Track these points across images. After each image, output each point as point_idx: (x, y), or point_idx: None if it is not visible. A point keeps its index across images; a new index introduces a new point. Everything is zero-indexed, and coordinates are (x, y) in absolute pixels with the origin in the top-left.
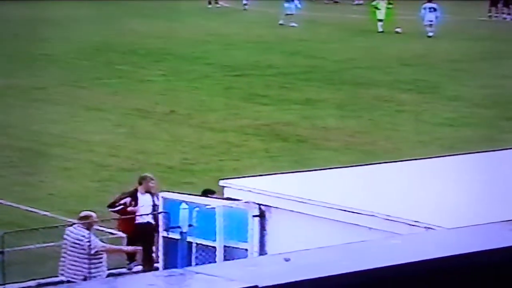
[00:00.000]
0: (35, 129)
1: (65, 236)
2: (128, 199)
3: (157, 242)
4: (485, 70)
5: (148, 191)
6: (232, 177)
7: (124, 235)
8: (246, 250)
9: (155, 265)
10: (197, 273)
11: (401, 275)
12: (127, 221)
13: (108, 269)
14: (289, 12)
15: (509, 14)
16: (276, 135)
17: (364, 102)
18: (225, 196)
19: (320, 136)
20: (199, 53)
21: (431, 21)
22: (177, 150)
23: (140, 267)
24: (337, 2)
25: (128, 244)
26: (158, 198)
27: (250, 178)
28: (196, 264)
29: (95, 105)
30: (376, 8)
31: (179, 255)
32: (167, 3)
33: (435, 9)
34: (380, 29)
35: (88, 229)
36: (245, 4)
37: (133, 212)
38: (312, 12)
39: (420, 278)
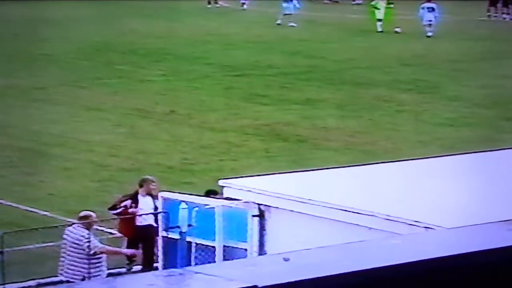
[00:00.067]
0: (35, 129)
1: (64, 236)
2: (128, 202)
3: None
4: (485, 70)
5: (149, 194)
6: (232, 177)
7: (118, 231)
8: (246, 250)
9: (155, 265)
10: (196, 273)
11: (401, 275)
12: (127, 224)
13: (108, 269)
14: (287, 12)
15: (508, 14)
16: (276, 135)
17: (364, 102)
18: (224, 196)
19: (320, 136)
20: (199, 53)
21: (430, 21)
22: (177, 150)
23: (139, 267)
24: (336, 1)
25: (128, 247)
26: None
27: (249, 178)
28: (196, 264)
29: (95, 105)
30: (375, 8)
31: (179, 255)
32: (167, 3)
33: (433, 9)
34: (379, 29)
35: (87, 229)
36: (243, 4)
37: (134, 214)
38: (312, 12)
39: (420, 278)
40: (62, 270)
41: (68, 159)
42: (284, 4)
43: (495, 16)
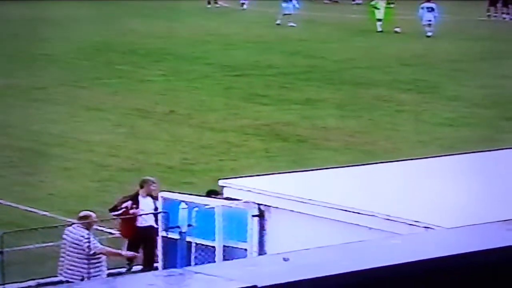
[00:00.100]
0: (35, 129)
1: (64, 236)
2: (129, 203)
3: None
4: (484, 70)
5: (149, 194)
6: (232, 177)
7: (119, 233)
8: (246, 250)
9: (155, 265)
10: (196, 273)
11: (400, 275)
12: (128, 225)
13: (108, 269)
14: (287, 12)
15: (508, 13)
16: (276, 135)
17: (364, 102)
18: (224, 196)
19: (320, 136)
20: (199, 53)
21: (429, 20)
22: (177, 150)
23: (139, 267)
24: (336, 1)
25: (129, 248)
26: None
27: (249, 178)
28: (196, 264)
29: (95, 105)
30: (375, 7)
31: (179, 255)
32: (167, 3)
33: (433, 9)
34: (379, 29)
35: (87, 229)
36: (242, 4)
37: (135, 215)
38: (312, 12)
39: (420, 278)
40: (61, 270)
41: (68, 159)
42: (284, 4)
43: (495, 16)
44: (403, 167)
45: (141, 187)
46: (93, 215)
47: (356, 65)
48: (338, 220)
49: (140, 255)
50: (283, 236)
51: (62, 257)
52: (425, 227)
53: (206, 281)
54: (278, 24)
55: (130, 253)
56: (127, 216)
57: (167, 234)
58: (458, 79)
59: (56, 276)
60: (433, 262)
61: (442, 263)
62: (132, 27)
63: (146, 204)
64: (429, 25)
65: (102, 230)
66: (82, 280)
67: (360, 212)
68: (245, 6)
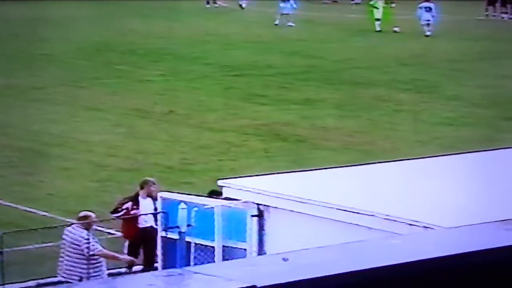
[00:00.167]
0: (34, 129)
1: (63, 236)
2: (129, 204)
3: None
4: (483, 69)
5: (149, 195)
6: (231, 177)
7: (121, 234)
8: (245, 250)
9: (154, 265)
10: (195, 273)
11: (400, 274)
12: (130, 226)
13: (108, 269)
14: (285, 12)
15: (506, 13)
16: (275, 135)
17: (363, 102)
18: (223, 196)
19: (319, 136)
20: (198, 53)
21: (428, 20)
22: (176, 150)
23: (140, 267)
24: (335, 1)
25: (130, 249)
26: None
27: (248, 178)
28: (195, 264)
29: (94, 105)
30: (374, 7)
31: (178, 255)
32: (167, 3)
33: (430, 9)
34: (378, 28)
35: (87, 229)
36: (241, 5)
37: (136, 216)
38: (310, 12)
39: (419, 277)
40: (60, 270)
41: (68, 159)
42: (281, 4)
43: (494, 16)
44: (402, 167)
45: (142, 188)
46: (93, 215)
47: (355, 65)
48: (337, 220)
49: (136, 259)
50: (283, 236)
51: (61, 257)
52: (424, 227)
53: (205, 281)
54: (276, 25)
55: (128, 258)
56: (126, 216)
57: (167, 234)
58: (457, 79)
59: (56, 276)
60: (433, 262)
61: (441, 263)
62: (132, 27)
63: (146, 205)
64: (428, 24)
65: (101, 231)
66: (80, 280)
67: (360, 212)
68: (244, 5)
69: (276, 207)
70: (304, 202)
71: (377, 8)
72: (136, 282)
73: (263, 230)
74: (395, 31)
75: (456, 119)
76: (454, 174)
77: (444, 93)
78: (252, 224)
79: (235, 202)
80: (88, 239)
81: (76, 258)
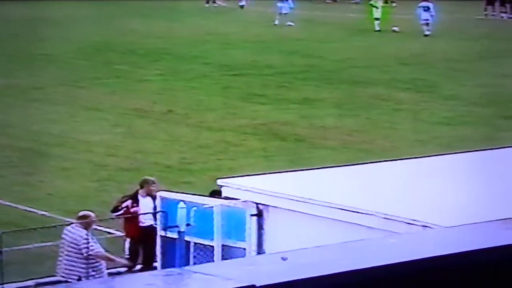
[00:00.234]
0: (34, 129)
1: (63, 236)
2: (129, 202)
3: None
4: (482, 69)
5: (149, 194)
6: (230, 176)
7: (121, 234)
8: (244, 249)
9: (153, 264)
10: (195, 272)
11: (398, 274)
12: (131, 225)
13: (108, 268)
14: (283, 12)
15: (505, 12)
16: (274, 135)
17: (362, 101)
18: (223, 195)
19: (318, 135)
20: (197, 52)
21: (426, 20)
22: (175, 150)
23: (139, 266)
24: (335, 1)
25: (132, 248)
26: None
27: (247, 177)
28: (194, 263)
29: (93, 105)
30: (374, 6)
31: (177, 254)
32: (167, 3)
33: (429, 8)
34: (377, 28)
35: (86, 229)
36: (242, 6)
37: (136, 213)
38: (310, 11)
39: (417, 276)
40: (59, 269)
41: (67, 159)
42: (279, 4)
43: (493, 15)
44: (401, 166)
45: (141, 187)
46: (92, 215)
47: (354, 64)
48: (336, 219)
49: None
50: (282, 235)
51: (60, 256)
52: (423, 226)
53: (205, 280)
54: (275, 25)
55: (124, 262)
56: (129, 215)
57: (166, 233)
58: (456, 78)
59: (55, 276)
60: (431, 261)
61: (440, 262)
62: (132, 27)
63: (145, 204)
64: (427, 24)
65: (101, 230)
66: (79, 279)
67: (359, 211)
68: (243, 3)
69: (275, 207)
70: (303, 202)
71: (376, 7)
72: (135, 282)
73: (262, 229)
74: (394, 31)
75: (455, 118)
76: (454, 173)
77: (443, 92)
78: (251, 224)
79: (234, 201)
80: (87, 239)
81: (75, 258)
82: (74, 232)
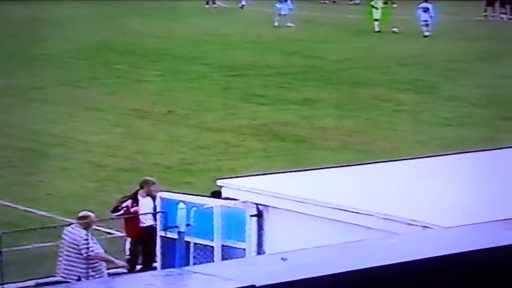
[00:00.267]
0: (34, 129)
1: (63, 236)
2: (129, 202)
3: None
4: (482, 70)
5: (149, 195)
6: (230, 176)
7: (121, 234)
8: (244, 249)
9: (153, 264)
10: (194, 272)
11: (398, 274)
12: (132, 225)
13: (107, 269)
14: (283, 13)
15: (505, 13)
16: (274, 135)
17: (362, 102)
18: (223, 195)
19: (318, 136)
20: (197, 53)
21: (425, 21)
22: (175, 150)
23: (139, 267)
24: (334, 1)
25: (132, 248)
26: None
27: (247, 177)
28: (194, 264)
29: (93, 105)
30: (374, 7)
31: (177, 254)
32: (167, 3)
33: (428, 9)
34: (376, 29)
35: (86, 229)
36: (242, 6)
37: (136, 213)
38: (310, 12)
39: (417, 277)
40: (59, 270)
41: (67, 159)
42: (278, 5)
43: (493, 16)
44: (401, 167)
45: (141, 187)
46: (92, 215)
47: (354, 65)
48: (336, 220)
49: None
50: (281, 236)
51: (60, 256)
52: (423, 226)
53: (204, 280)
54: (275, 26)
55: (121, 263)
56: (129, 215)
57: (166, 234)
58: (456, 79)
59: (55, 276)
60: (432, 261)
61: (439, 262)
62: (132, 27)
63: (145, 204)
64: (426, 25)
65: (101, 230)
66: (78, 280)
67: (358, 212)
68: (244, 3)
69: (275, 207)
70: (303, 202)
71: (376, 8)
72: (135, 282)
73: (262, 229)
74: (394, 32)
75: (455, 119)
76: (454, 174)
77: (443, 93)
78: (251, 224)
79: (234, 202)
80: (87, 239)
81: (75, 258)
82: (74, 232)
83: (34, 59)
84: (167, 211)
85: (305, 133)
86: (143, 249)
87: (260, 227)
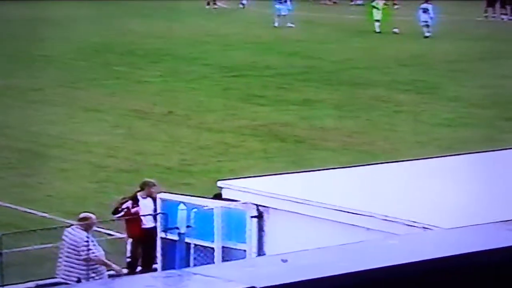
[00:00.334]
0: (33, 130)
1: (63, 237)
2: (129, 203)
3: None
4: (483, 70)
5: (149, 196)
6: (230, 178)
7: (122, 235)
8: (244, 251)
9: (154, 266)
10: (195, 274)
11: (398, 275)
12: (133, 226)
13: (108, 270)
14: (282, 13)
15: (506, 14)
16: (274, 136)
17: (362, 102)
18: (223, 196)
19: (318, 136)
20: (197, 53)
21: (425, 21)
22: (175, 151)
23: (139, 268)
24: (335, 2)
25: (133, 249)
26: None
27: (248, 179)
28: (194, 265)
29: (93, 106)
30: (376, 8)
31: (177, 256)
32: (167, 3)
33: (427, 10)
34: (377, 30)
35: (86, 230)
36: (243, 5)
37: (137, 213)
38: (310, 12)
39: (418, 278)
40: (59, 271)
41: (66, 160)
42: (277, 6)
43: (493, 17)
44: (401, 168)
45: (142, 189)
46: (93, 216)
47: (354, 65)
48: (336, 221)
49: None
50: (282, 237)
51: (60, 257)
52: (423, 227)
53: (205, 282)
54: (275, 27)
55: (118, 268)
56: (130, 217)
57: (166, 235)
58: (457, 80)
59: (55, 277)
60: (432, 262)
61: (440, 263)
62: (132, 27)
63: (146, 205)
64: (427, 26)
65: (101, 232)
66: (78, 281)
67: (359, 213)
68: (245, 2)
69: (275, 208)
70: (303, 203)
71: (378, 9)
72: (135, 283)
73: (263, 231)
74: (394, 32)
75: (456, 119)
76: (454, 175)
77: (444, 93)
78: (252, 225)
79: (234, 203)
80: (87, 241)
81: (75, 260)
82: (75, 234)
83: (34, 60)
84: (168, 213)
85: (305, 133)
86: (143, 250)
87: (260, 228)
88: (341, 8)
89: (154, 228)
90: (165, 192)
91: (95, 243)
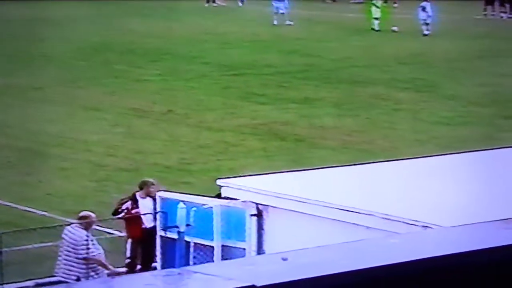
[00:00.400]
0: (33, 129)
1: (63, 236)
2: (129, 203)
3: None
4: (482, 68)
5: (148, 195)
6: (230, 176)
7: (121, 234)
8: (244, 249)
9: (153, 264)
10: (194, 272)
11: (398, 274)
12: (134, 226)
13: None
14: (281, 11)
15: (505, 12)
16: (273, 134)
17: (361, 100)
18: (222, 195)
19: (318, 135)
20: (197, 52)
21: (424, 20)
22: (174, 150)
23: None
24: (335, 0)
25: (133, 249)
26: None
27: (247, 177)
28: (194, 264)
29: (92, 105)
30: (375, 6)
31: (177, 254)
32: (167, 3)
33: (425, 8)
34: (376, 28)
35: (86, 229)
36: (242, 2)
37: (138, 214)
38: (309, 10)
39: (418, 277)
40: (59, 269)
41: (66, 159)
42: (275, 4)
43: (492, 15)
44: (401, 166)
45: (141, 188)
46: (93, 215)
47: (354, 63)
48: (336, 220)
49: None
50: (282, 236)
51: (60, 256)
52: (423, 226)
53: (205, 280)
54: (274, 25)
55: (116, 270)
56: (130, 216)
57: (166, 233)
58: (456, 78)
59: (55, 276)
60: (432, 261)
61: (440, 262)
62: (132, 27)
63: (145, 205)
64: (426, 24)
65: (101, 230)
66: (77, 280)
67: (359, 212)
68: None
69: (275, 207)
70: (303, 202)
71: (377, 7)
72: (134, 282)
73: (262, 229)
74: (393, 31)
75: (455, 118)
76: (454, 173)
77: (443, 92)
78: (251, 224)
79: (234, 201)
80: (87, 240)
81: (74, 258)
82: (74, 232)
83: (33, 59)
84: (167, 211)
85: (304, 132)
86: (143, 250)
87: (260, 227)
88: (340, 6)
89: (154, 227)
90: (164, 191)
91: (94, 241)
